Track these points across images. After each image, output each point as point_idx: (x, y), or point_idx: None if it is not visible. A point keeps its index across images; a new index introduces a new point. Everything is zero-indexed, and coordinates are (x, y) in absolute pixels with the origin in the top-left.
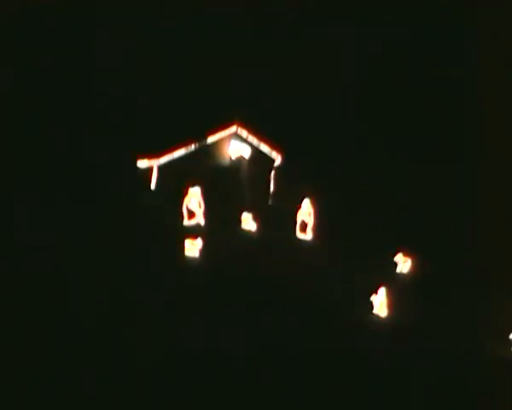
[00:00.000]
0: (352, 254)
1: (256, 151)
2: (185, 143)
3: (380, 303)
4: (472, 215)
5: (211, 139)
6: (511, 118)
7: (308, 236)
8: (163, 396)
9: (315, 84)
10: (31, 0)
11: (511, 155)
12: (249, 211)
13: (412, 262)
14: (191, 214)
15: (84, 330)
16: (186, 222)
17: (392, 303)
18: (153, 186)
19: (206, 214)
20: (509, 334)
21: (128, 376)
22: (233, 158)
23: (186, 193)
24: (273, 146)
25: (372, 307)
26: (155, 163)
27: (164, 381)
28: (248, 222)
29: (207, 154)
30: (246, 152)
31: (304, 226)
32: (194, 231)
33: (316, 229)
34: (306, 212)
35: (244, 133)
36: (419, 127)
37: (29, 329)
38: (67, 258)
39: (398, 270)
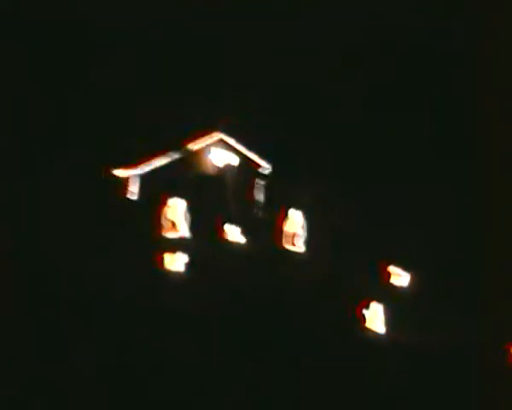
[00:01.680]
0: (344, 267)
1: (242, 159)
2: (166, 151)
3: (372, 317)
4: (471, 229)
5: (194, 147)
6: None
7: (300, 248)
8: None
9: (308, 90)
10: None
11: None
12: (234, 222)
13: (407, 276)
14: (171, 226)
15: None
16: (166, 234)
17: (386, 317)
18: (131, 196)
19: (189, 226)
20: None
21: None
22: (217, 166)
23: (165, 204)
24: (260, 154)
25: (364, 321)
26: (133, 172)
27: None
28: (233, 234)
29: (190, 162)
30: (231, 160)
31: (292, 238)
32: (174, 244)
33: (306, 240)
34: (297, 223)
35: (229, 140)
36: (419, 139)
37: None
38: (41, 270)
39: (392, 283)
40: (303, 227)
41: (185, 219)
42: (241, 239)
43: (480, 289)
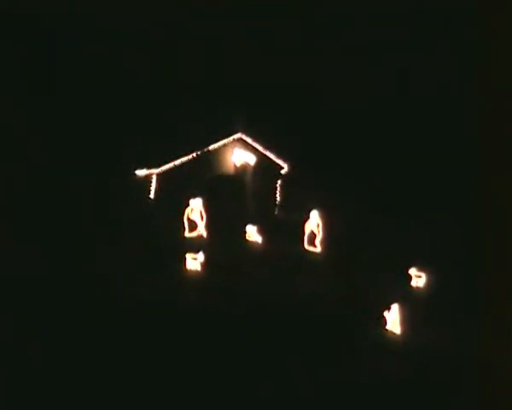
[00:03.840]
0: (364, 269)
1: (262, 159)
2: (187, 152)
3: (393, 319)
4: (487, 232)
5: (214, 146)
6: None
7: (317, 248)
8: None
9: (327, 91)
10: None
11: None
12: (254, 222)
13: (426, 277)
14: (193, 226)
15: (81, 345)
16: (187, 234)
17: (406, 319)
18: (152, 196)
19: (209, 226)
20: None
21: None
22: (237, 166)
23: (187, 204)
24: (280, 153)
25: (385, 323)
26: (155, 172)
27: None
28: (253, 234)
29: (210, 162)
30: (251, 159)
31: (312, 238)
32: (195, 244)
33: (325, 241)
34: (315, 223)
35: (249, 140)
36: (433, 141)
37: None
38: (67, 268)
39: (413, 285)
40: (321, 227)
41: (205, 218)
42: (260, 239)
43: (495, 291)
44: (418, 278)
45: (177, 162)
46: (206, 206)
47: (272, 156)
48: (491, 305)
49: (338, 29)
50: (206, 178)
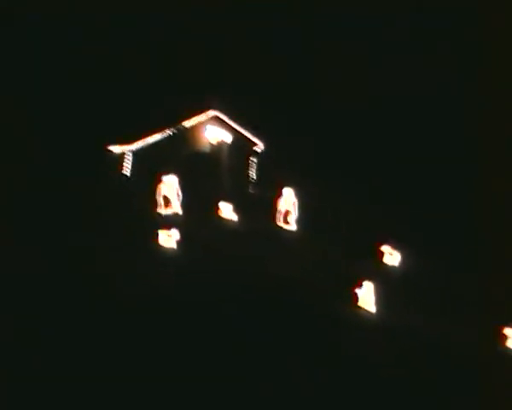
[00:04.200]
0: (337, 246)
1: (236, 136)
2: (161, 128)
3: (364, 296)
4: (462, 208)
5: (188, 123)
6: None
7: (291, 226)
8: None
9: (302, 68)
10: None
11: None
12: (229, 200)
13: (399, 255)
14: (167, 203)
15: (54, 322)
16: (161, 211)
17: (378, 296)
18: (126, 173)
19: (183, 203)
20: (501, 328)
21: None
22: (212, 143)
23: (162, 181)
24: (254, 131)
25: (357, 300)
26: (129, 149)
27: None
28: (228, 211)
29: (185, 139)
30: (225, 137)
31: (286, 216)
32: (169, 221)
33: (299, 219)
34: (289, 201)
35: (224, 117)
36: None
37: None
38: (39, 249)
39: (385, 262)
40: (295, 205)
41: (179, 195)
42: (235, 216)
43: (473, 271)
44: (391, 256)
45: (152, 139)
46: (181, 183)
47: (247, 134)
48: (471, 284)
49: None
50: (181, 156)
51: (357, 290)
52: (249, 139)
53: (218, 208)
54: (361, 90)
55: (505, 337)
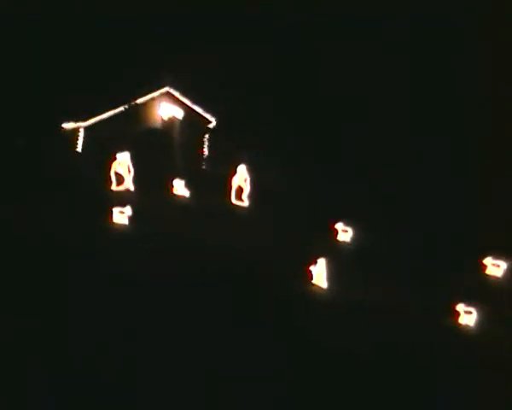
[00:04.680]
0: (290, 223)
1: (189, 113)
2: (114, 105)
3: (319, 273)
4: (412, 184)
5: (141, 100)
6: None
7: (244, 202)
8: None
9: (255, 44)
10: None
11: None
12: (182, 176)
13: (353, 231)
14: (120, 180)
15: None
16: (114, 188)
17: (332, 274)
18: (79, 149)
19: (136, 180)
20: (454, 304)
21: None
22: (164, 120)
23: (114, 157)
24: (208, 107)
25: (311, 278)
26: (82, 125)
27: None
28: (181, 188)
29: (137, 116)
30: (178, 113)
31: (239, 193)
32: (122, 198)
33: (252, 196)
34: (242, 178)
35: (176, 94)
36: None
37: None
38: None
39: (339, 240)
40: (248, 182)
41: (133, 172)
42: (187, 193)
43: (426, 247)
44: (345, 233)
45: (105, 116)
46: (134, 160)
47: (200, 110)
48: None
49: None
50: (134, 132)
51: (312, 268)
52: (202, 116)
53: (171, 185)
54: (313, 62)
55: (458, 314)
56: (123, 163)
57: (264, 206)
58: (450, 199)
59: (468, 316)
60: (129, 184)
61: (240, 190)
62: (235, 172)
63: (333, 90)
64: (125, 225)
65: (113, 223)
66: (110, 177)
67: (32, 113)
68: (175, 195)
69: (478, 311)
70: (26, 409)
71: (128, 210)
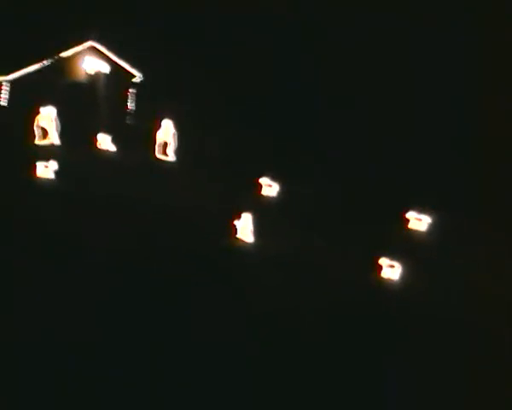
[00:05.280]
0: (215, 178)
1: (114, 67)
2: (38, 59)
3: (243, 228)
4: (337, 140)
5: (65, 54)
6: None
7: (170, 157)
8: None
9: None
10: None
11: None
12: (106, 131)
13: (278, 187)
14: (43, 134)
15: None
16: (38, 142)
17: (256, 227)
18: (2, 103)
19: (60, 134)
20: (377, 258)
21: None
22: (89, 74)
23: (38, 111)
24: (133, 62)
25: (235, 232)
26: (6, 79)
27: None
28: (105, 142)
29: (61, 70)
30: (103, 68)
31: (164, 147)
32: (46, 152)
33: (177, 150)
34: (168, 132)
35: (101, 48)
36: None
37: None
38: None
39: (263, 194)
40: (174, 136)
41: (57, 126)
42: (113, 148)
43: (351, 201)
44: (269, 187)
45: (29, 70)
46: (58, 114)
47: (125, 65)
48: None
49: None
50: (59, 86)
51: (236, 222)
52: (127, 70)
53: (96, 139)
54: (234, 18)
55: (380, 267)
56: (46, 117)
57: (188, 161)
58: (372, 152)
59: (391, 270)
60: (53, 139)
61: (165, 145)
62: (160, 127)
63: (257, 43)
64: (49, 179)
65: (38, 177)
66: (34, 131)
67: None
68: (100, 149)
69: (401, 265)
70: None
71: (52, 164)
